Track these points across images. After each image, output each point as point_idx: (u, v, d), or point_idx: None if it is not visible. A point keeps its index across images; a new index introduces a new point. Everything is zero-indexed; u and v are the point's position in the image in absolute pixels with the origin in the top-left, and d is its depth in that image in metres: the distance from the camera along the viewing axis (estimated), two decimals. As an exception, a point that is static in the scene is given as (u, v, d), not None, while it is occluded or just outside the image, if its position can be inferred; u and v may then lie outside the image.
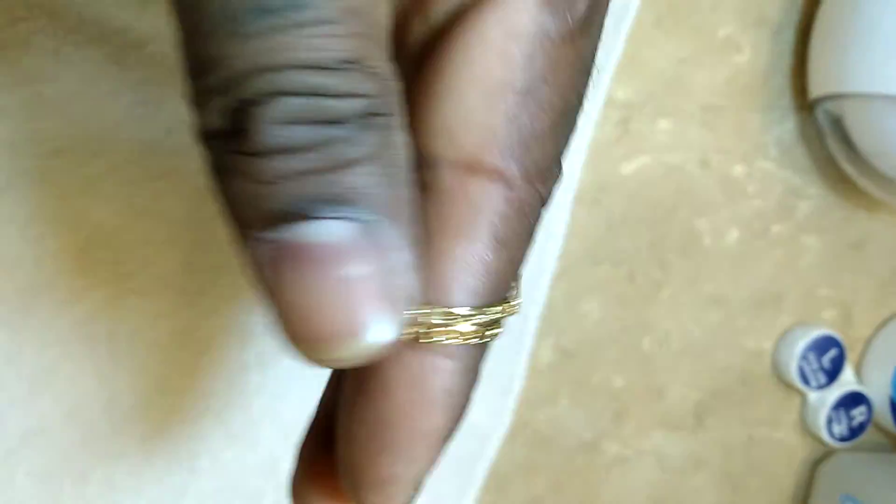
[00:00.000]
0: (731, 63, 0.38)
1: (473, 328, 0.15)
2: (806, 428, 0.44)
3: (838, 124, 0.38)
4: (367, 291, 0.11)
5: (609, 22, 0.35)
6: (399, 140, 0.12)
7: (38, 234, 0.31)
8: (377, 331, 0.11)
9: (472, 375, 0.16)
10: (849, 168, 0.38)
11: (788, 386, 0.43)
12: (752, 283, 0.41)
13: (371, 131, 0.11)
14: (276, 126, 0.10)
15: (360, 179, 0.11)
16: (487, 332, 0.16)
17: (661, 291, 0.40)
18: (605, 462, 0.41)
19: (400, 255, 0.12)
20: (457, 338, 0.15)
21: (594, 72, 0.16)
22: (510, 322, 0.36)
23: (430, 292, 0.14)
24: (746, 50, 0.38)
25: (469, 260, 0.15)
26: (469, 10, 0.14)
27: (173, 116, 0.31)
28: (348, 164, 0.11)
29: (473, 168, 0.15)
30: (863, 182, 0.38)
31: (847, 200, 0.42)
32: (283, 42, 0.10)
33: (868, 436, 0.44)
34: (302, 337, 0.11)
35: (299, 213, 0.11)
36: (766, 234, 0.41)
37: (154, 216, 0.32)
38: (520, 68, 0.14)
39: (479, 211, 0.15)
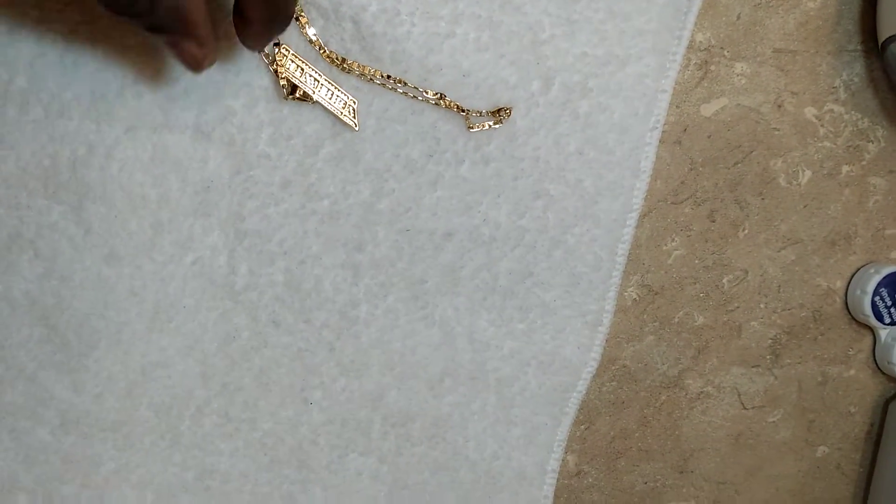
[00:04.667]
0: (803, 8, 0.40)
1: None
2: (877, 366, 0.45)
3: (906, 66, 0.39)
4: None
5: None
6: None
7: (162, 174, 0.33)
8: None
9: None
10: (918, 106, 0.40)
11: (860, 324, 0.44)
12: (824, 223, 0.43)
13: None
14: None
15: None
16: None
17: (740, 230, 0.41)
18: (687, 398, 0.42)
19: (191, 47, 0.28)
20: None
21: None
22: (599, 258, 0.38)
23: None
24: (815, -3, 0.40)
25: None
26: None
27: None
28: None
29: None
30: (932, 120, 0.40)
31: (913, 143, 0.43)
32: None
33: (937, 373, 0.46)
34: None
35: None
36: (837, 175, 0.42)
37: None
38: None
39: None
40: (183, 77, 0.32)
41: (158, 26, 0.26)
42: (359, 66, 0.33)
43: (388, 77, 0.34)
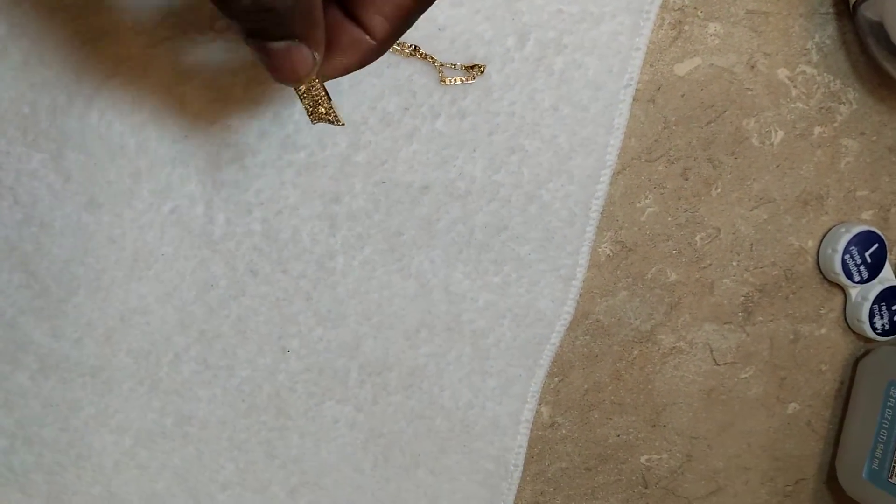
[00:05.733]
0: (776, -31, 0.41)
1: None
2: (848, 325, 0.46)
3: (878, 27, 0.40)
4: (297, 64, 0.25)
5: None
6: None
7: (140, 123, 0.33)
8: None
9: (376, 54, 0.27)
10: (888, 66, 0.41)
11: (831, 283, 0.45)
12: (796, 183, 0.43)
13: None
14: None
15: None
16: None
17: (713, 189, 0.42)
18: (660, 352, 0.43)
19: (305, 53, 0.25)
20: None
21: None
22: (573, 213, 0.39)
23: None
24: (790, -41, 0.41)
25: (399, 3, 0.26)
26: None
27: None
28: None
29: None
30: (902, 80, 0.41)
31: (884, 104, 0.44)
32: None
33: (906, 333, 0.47)
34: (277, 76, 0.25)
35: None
36: (809, 136, 0.43)
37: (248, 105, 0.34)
38: None
39: None
40: (160, 25, 0.33)
41: (270, 25, 0.23)
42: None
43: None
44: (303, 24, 0.23)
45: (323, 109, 0.29)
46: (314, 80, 0.28)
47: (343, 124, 0.30)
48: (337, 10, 0.26)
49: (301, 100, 0.29)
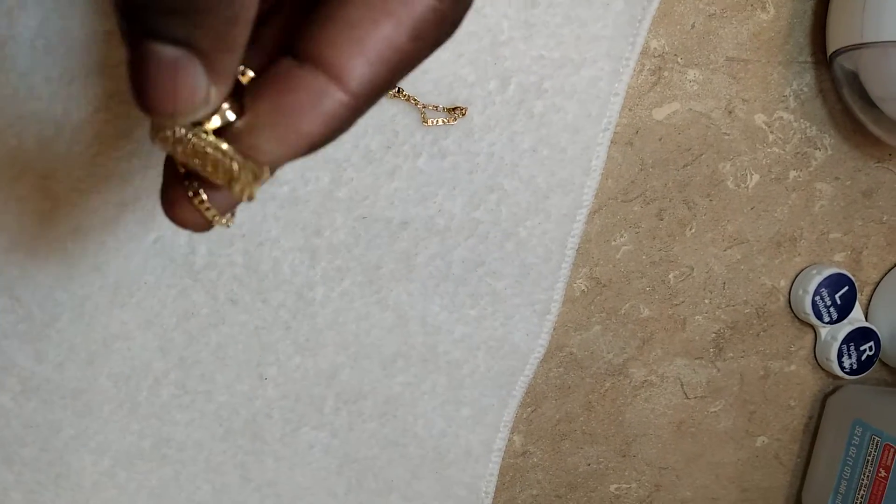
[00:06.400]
0: (756, 20, 0.41)
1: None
2: (817, 362, 0.47)
3: (853, 78, 0.41)
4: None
5: (650, -27, 0.38)
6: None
7: (127, 154, 0.34)
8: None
9: (351, 116, 0.19)
10: (862, 117, 0.42)
11: (802, 322, 0.46)
12: (770, 225, 0.45)
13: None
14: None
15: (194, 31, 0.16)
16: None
17: (687, 230, 0.43)
18: (631, 385, 0.44)
19: (199, 79, 0.17)
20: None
21: None
22: (550, 250, 0.40)
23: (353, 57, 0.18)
24: (771, 8, 0.42)
25: (392, 38, 0.18)
26: None
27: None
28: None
29: None
30: (876, 130, 0.42)
31: (858, 151, 0.45)
32: None
33: (874, 372, 0.48)
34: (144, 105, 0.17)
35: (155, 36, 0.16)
36: (784, 179, 0.44)
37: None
38: None
39: (416, 6, 0.18)
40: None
41: (160, 14, 0.16)
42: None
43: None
44: (214, 33, 0.16)
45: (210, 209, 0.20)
46: (244, 161, 0.19)
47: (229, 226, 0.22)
48: (290, 58, 0.19)
49: (169, 166, 0.20)
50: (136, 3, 0.15)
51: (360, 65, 0.18)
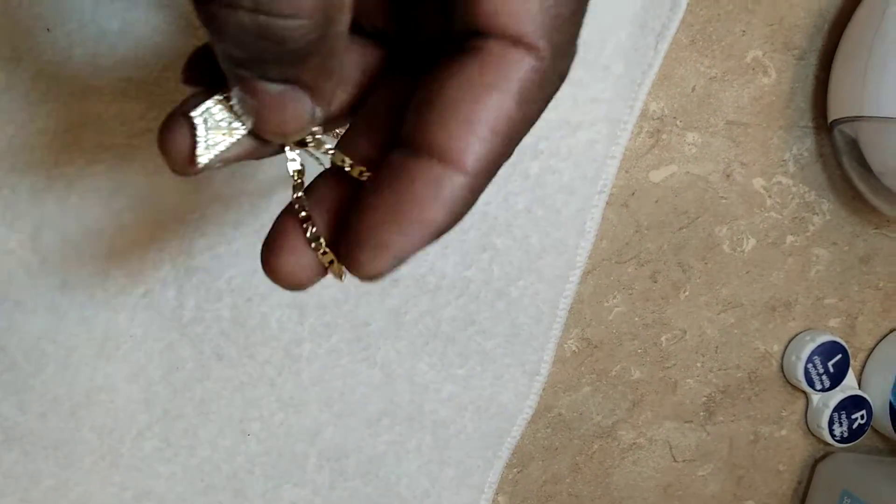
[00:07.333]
0: (757, 84, 0.41)
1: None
2: (808, 428, 0.47)
3: (853, 145, 0.41)
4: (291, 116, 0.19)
5: (649, 40, 0.38)
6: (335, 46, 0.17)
7: (119, 209, 0.34)
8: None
9: (473, 195, 0.19)
10: (861, 186, 0.41)
11: (794, 387, 0.46)
12: (765, 289, 0.44)
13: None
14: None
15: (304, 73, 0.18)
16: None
17: (681, 292, 0.43)
18: (620, 448, 0.44)
19: (306, 106, 0.19)
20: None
21: None
22: (541, 311, 0.39)
23: (452, 127, 0.18)
24: (772, 73, 0.42)
25: (499, 109, 0.18)
26: None
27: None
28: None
29: (515, 41, 0.18)
30: (874, 200, 0.41)
31: (857, 216, 0.45)
32: None
33: (867, 439, 0.47)
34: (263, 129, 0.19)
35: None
36: (781, 244, 0.44)
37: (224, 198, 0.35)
38: None
39: (515, 72, 0.18)
40: (143, 117, 0.33)
41: (270, 59, 0.17)
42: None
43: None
44: (316, 69, 0.18)
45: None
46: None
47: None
48: (401, 149, 0.19)
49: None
50: (249, 58, 0.17)
51: (472, 143, 0.18)
